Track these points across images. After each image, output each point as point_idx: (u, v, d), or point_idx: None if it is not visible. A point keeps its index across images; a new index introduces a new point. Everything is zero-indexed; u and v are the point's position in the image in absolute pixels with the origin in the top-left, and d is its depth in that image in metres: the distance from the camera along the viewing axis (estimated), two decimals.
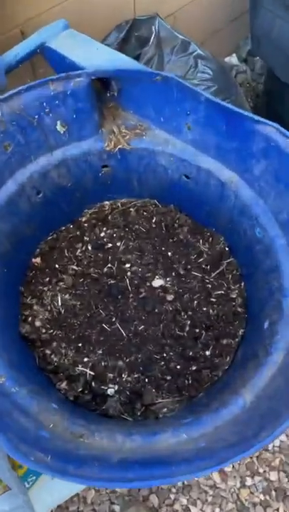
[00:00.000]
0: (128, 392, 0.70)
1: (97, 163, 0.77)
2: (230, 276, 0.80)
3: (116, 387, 0.70)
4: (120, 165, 0.78)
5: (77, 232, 0.87)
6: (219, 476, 0.82)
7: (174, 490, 0.82)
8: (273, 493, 0.81)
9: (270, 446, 0.85)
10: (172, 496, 0.81)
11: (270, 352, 0.57)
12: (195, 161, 0.72)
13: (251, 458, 0.84)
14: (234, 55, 1.47)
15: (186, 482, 0.82)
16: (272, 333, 0.59)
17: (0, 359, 0.56)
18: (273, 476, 0.82)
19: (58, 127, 0.68)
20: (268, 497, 0.81)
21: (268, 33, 0.91)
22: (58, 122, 0.67)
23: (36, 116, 0.64)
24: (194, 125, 0.67)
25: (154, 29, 0.80)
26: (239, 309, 0.76)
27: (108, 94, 0.72)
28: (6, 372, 0.54)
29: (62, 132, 0.69)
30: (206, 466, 0.36)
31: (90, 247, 0.85)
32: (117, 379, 0.71)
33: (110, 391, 0.70)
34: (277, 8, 0.86)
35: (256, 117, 0.58)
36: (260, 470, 0.83)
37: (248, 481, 0.82)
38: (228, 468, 0.83)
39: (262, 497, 0.81)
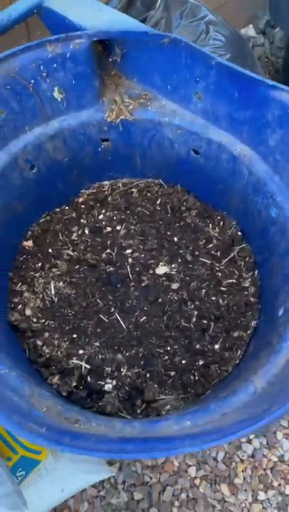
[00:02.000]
0: (127, 388, 0.73)
1: (97, 136, 0.81)
2: (242, 263, 0.84)
3: (114, 382, 0.73)
4: (122, 138, 0.82)
5: (74, 214, 0.90)
6: (228, 489, 0.85)
7: (176, 503, 0.84)
8: None
9: (287, 457, 0.88)
10: (175, 510, 0.84)
11: (284, 338, 0.60)
12: (205, 134, 0.75)
13: (265, 470, 0.87)
14: (251, 26, 1.52)
15: (190, 495, 0.85)
16: (287, 319, 0.62)
17: None
18: None
19: (56, 94, 0.72)
20: None
21: None
22: (56, 88, 0.72)
23: (32, 81, 0.68)
24: (204, 93, 0.71)
25: None
26: (252, 299, 0.79)
27: (110, 60, 0.76)
28: None
29: (59, 100, 0.73)
30: (212, 439, 0.39)
31: (87, 231, 0.89)
32: (116, 373, 0.74)
33: (108, 386, 0.73)
34: None
35: (271, 82, 0.62)
36: (275, 483, 0.86)
37: (261, 495, 0.84)
38: (238, 481, 0.86)
39: None
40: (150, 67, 0.75)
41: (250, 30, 1.51)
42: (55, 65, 0.68)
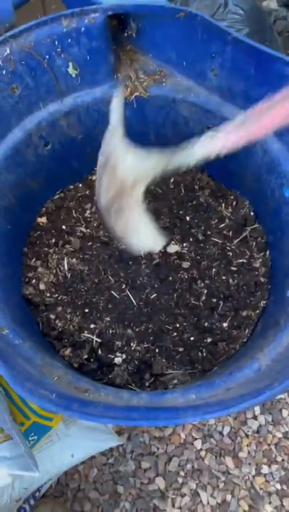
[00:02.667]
0: (136, 362, 0.75)
1: None
2: (254, 243, 0.84)
3: (124, 356, 0.76)
4: (136, 115, 0.82)
5: (87, 192, 0.91)
6: (233, 462, 0.88)
7: (182, 473, 0.88)
8: None
9: None
10: (180, 480, 0.87)
11: None
12: (220, 112, 0.75)
13: (269, 445, 0.89)
14: None
15: (196, 466, 0.88)
16: None
17: (1, 312, 0.62)
18: None
19: (70, 70, 0.72)
20: (285, 486, 0.86)
21: None
22: (70, 64, 0.71)
23: (47, 56, 0.68)
24: (220, 70, 0.70)
25: None
26: (262, 279, 0.80)
27: (125, 35, 0.75)
28: (7, 325, 0.60)
29: (74, 76, 0.73)
30: (213, 410, 0.41)
31: None
32: (125, 348, 0.77)
33: (118, 360, 0.75)
34: None
35: (288, 59, 0.60)
36: (278, 458, 0.88)
37: (265, 469, 0.87)
38: (243, 455, 0.88)
39: (278, 486, 0.86)
40: (166, 42, 0.73)
41: (272, 3, 1.45)
42: (69, 40, 0.68)
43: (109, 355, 0.76)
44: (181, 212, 0.88)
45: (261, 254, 0.82)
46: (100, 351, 0.76)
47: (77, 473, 0.87)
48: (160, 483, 0.87)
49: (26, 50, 0.66)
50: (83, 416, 0.40)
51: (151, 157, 0.54)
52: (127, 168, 0.54)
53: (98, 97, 0.78)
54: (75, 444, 0.73)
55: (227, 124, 0.48)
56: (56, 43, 0.68)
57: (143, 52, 0.78)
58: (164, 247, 0.84)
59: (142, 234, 0.59)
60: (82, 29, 0.67)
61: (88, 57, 0.72)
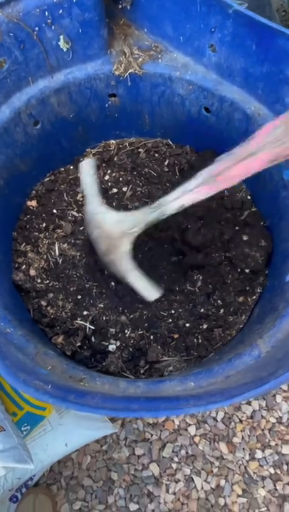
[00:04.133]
0: (131, 349, 0.74)
1: (104, 90, 0.78)
2: (252, 228, 0.82)
3: (118, 343, 0.74)
4: (130, 94, 0.78)
5: (79, 174, 0.88)
6: (227, 448, 0.88)
7: (176, 459, 0.87)
8: (285, 467, 0.86)
9: (285, 419, 0.90)
10: (174, 466, 0.87)
11: None
12: (218, 91, 0.72)
13: (263, 430, 0.89)
14: None
15: (190, 452, 0.88)
16: None
17: None
18: (286, 449, 0.87)
19: (61, 43, 0.68)
20: (278, 471, 0.86)
21: None
22: (61, 37, 0.67)
23: (37, 28, 0.64)
24: (219, 45, 0.67)
25: None
26: (259, 264, 0.78)
27: (119, 7, 0.71)
28: None
29: (65, 50, 0.69)
30: (216, 400, 0.39)
31: None
32: (120, 335, 0.75)
33: (112, 347, 0.74)
34: None
35: None
36: (272, 443, 0.88)
37: (258, 454, 0.87)
38: (236, 440, 0.88)
39: (272, 470, 0.86)
40: (162, 15, 0.70)
41: None
42: (60, 11, 0.64)
43: (103, 343, 0.74)
44: None
45: (259, 238, 0.80)
46: (93, 338, 0.74)
47: (70, 461, 0.86)
48: (154, 469, 0.86)
49: (14, 21, 0.62)
50: (81, 407, 0.38)
51: (131, 215, 0.59)
52: (111, 225, 0.60)
53: (90, 73, 0.74)
54: (68, 432, 0.72)
55: (196, 178, 0.51)
56: (46, 13, 0.63)
57: (137, 27, 0.75)
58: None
59: (135, 285, 0.63)
60: None
61: (80, 30, 0.68)
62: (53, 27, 0.65)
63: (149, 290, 0.63)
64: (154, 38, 0.74)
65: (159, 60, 0.74)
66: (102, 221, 0.62)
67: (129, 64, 0.74)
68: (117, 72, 0.74)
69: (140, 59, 0.74)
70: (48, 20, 0.65)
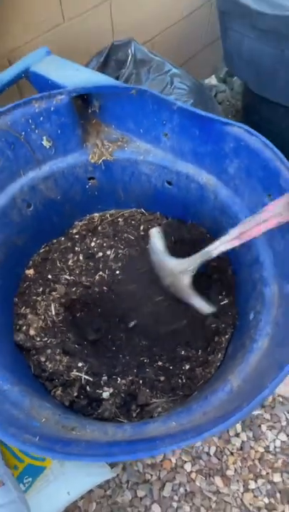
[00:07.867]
0: (123, 395, 0.70)
1: (84, 175, 0.82)
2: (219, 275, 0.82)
3: (111, 390, 0.71)
4: (105, 176, 0.82)
5: (69, 244, 0.90)
6: (222, 481, 0.81)
7: (176, 498, 0.80)
8: (278, 495, 0.79)
9: (272, 448, 0.84)
10: (175, 505, 0.79)
11: (255, 339, 0.58)
12: (174, 167, 0.76)
13: (253, 460, 0.83)
14: (213, 76, 1.56)
15: (188, 489, 0.81)
16: (257, 322, 0.61)
17: None
18: (276, 477, 0.81)
19: (44, 142, 0.73)
20: (272, 500, 0.79)
21: (239, 51, 0.98)
22: (44, 137, 0.72)
23: (23, 133, 0.69)
24: (171, 133, 0.72)
25: (130, 52, 0.87)
26: (228, 307, 0.78)
27: (90, 111, 0.77)
28: None
29: (48, 147, 0.74)
30: (188, 437, 0.37)
31: (81, 257, 0.88)
32: (112, 382, 0.72)
33: (105, 394, 0.70)
34: (244, 29, 0.93)
35: (224, 120, 0.62)
36: (263, 472, 0.82)
37: (252, 485, 0.80)
38: (230, 472, 0.82)
39: (266, 500, 0.79)
40: (124, 114, 0.76)
41: (212, 80, 1.55)
42: (41, 118, 0.69)
43: (98, 391, 0.71)
44: None
45: (226, 285, 0.81)
46: (88, 387, 0.71)
47: (77, 509, 0.78)
48: (156, 509, 0.79)
49: (4, 129, 0.66)
50: (66, 456, 0.36)
51: (188, 259, 0.69)
52: (174, 265, 0.71)
53: (71, 163, 0.79)
54: (70, 481, 0.66)
55: (230, 234, 0.62)
56: (30, 121, 0.68)
57: (106, 124, 0.80)
58: None
59: (196, 304, 0.73)
60: (52, 108, 0.69)
61: (59, 131, 0.73)
62: (36, 131, 0.70)
63: (206, 307, 0.71)
64: (120, 131, 0.80)
65: (126, 148, 0.79)
66: (168, 264, 0.73)
67: (102, 153, 0.79)
68: (92, 160, 0.79)
69: (110, 148, 0.79)
70: (32, 126, 0.69)
